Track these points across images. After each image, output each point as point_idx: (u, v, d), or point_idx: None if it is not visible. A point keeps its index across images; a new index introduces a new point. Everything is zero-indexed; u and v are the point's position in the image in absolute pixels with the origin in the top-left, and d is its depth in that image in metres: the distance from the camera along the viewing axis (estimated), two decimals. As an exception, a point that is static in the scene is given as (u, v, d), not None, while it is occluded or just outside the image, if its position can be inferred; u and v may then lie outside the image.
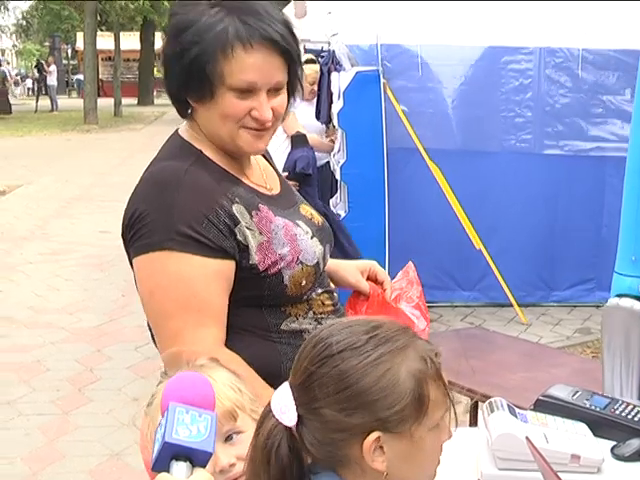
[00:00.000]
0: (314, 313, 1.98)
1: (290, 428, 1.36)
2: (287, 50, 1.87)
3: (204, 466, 1.29)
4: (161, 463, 1.28)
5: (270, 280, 1.89)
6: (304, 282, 1.93)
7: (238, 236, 1.85)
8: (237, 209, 1.87)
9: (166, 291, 1.82)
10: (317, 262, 1.97)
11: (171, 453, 1.27)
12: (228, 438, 1.62)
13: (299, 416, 1.36)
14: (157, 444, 1.28)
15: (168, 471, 1.28)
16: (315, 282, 1.98)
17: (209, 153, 1.94)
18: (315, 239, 2.00)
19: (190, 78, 1.86)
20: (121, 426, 4.81)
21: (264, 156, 2.19)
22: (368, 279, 2.30)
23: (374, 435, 1.33)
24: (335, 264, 2.28)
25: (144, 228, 1.83)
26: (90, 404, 5.24)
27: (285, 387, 1.40)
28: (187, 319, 1.81)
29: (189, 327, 1.81)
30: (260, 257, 1.87)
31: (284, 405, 1.37)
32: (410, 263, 2.38)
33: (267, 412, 1.40)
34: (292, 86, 1.97)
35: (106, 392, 5.40)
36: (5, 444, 4.67)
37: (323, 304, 2.01)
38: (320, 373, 1.35)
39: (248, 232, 1.86)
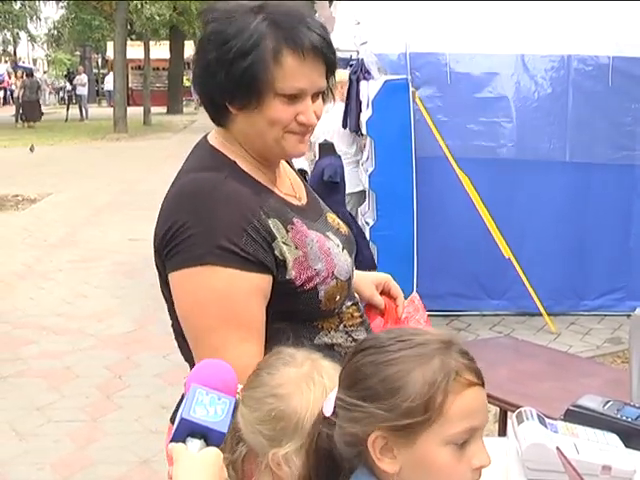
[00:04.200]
0: (344, 326, 1.97)
1: (328, 418, 1.42)
2: (329, 57, 1.88)
3: (218, 446, 1.37)
4: (178, 439, 1.38)
5: (305, 295, 1.87)
6: (338, 297, 1.92)
7: (275, 251, 1.84)
8: (273, 223, 1.85)
9: (208, 306, 1.80)
10: (349, 277, 1.97)
11: (188, 430, 1.37)
12: None
13: (335, 407, 1.41)
14: (176, 421, 1.38)
15: None
16: (347, 296, 1.98)
17: (242, 164, 1.93)
18: (345, 251, 2.00)
19: (239, 86, 1.84)
20: (150, 433, 4.83)
21: (290, 165, 2.19)
22: (382, 293, 2.30)
23: (376, 432, 1.35)
24: None
25: (183, 243, 1.80)
26: (119, 411, 5.27)
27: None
28: (229, 335, 1.79)
29: (231, 343, 1.79)
30: (297, 272, 1.85)
31: (330, 396, 1.44)
32: (415, 293, 2.37)
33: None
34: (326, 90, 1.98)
35: (135, 399, 5.43)
36: (35, 450, 4.70)
37: (352, 316, 2.00)
38: (347, 367, 1.42)
39: (285, 247, 1.85)
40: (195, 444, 1.36)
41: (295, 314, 1.89)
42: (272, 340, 1.84)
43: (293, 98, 1.86)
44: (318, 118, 1.94)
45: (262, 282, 1.82)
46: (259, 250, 1.81)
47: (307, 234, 1.91)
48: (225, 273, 1.78)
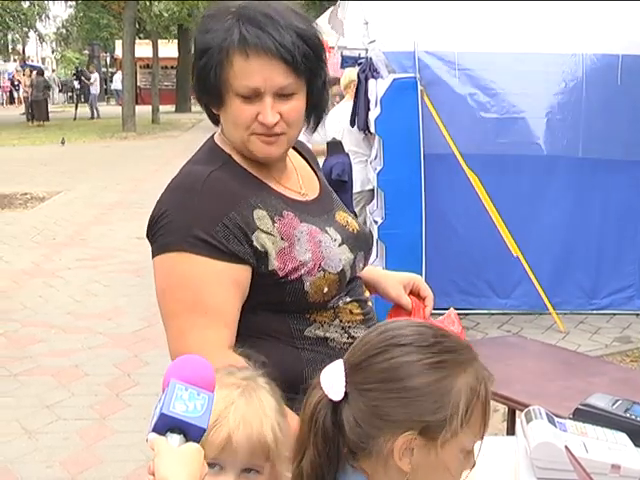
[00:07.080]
0: (341, 321, 1.98)
1: (335, 403, 1.41)
2: (286, 58, 1.85)
3: (197, 441, 1.36)
4: (157, 433, 1.36)
5: (291, 286, 1.89)
6: (326, 289, 1.92)
7: (254, 242, 1.87)
8: (258, 214, 1.89)
9: (175, 291, 1.87)
10: (342, 270, 1.96)
11: (167, 425, 1.36)
12: (246, 471, 1.58)
13: (345, 393, 1.41)
14: (155, 416, 1.36)
15: None
16: (340, 290, 1.97)
17: (238, 158, 1.98)
18: (344, 246, 2.00)
19: (204, 86, 1.92)
20: (158, 431, 4.83)
21: (308, 161, 2.20)
22: (411, 293, 2.29)
23: (410, 434, 1.36)
24: (378, 275, 2.29)
25: (162, 229, 1.89)
26: (128, 409, 5.28)
27: (339, 363, 1.45)
28: (194, 320, 1.85)
29: (195, 328, 1.84)
30: (280, 263, 1.88)
31: (334, 380, 1.42)
32: (452, 308, 2.34)
33: (315, 384, 1.45)
34: (312, 94, 1.95)
35: (144, 397, 5.43)
36: (44, 448, 4.71)
37: (351, 313, 2.00)
38: (380, 359, 1.40)
39: (267, 238, 1.88)
40: (175, 439, 1.35)
41: (283, 305, 1.91)
42: (264, 331, 1.90)
43: (251, 98, 1.88)
44: (292, 120, 1.92)
45: (234, 272, 1.86)
46: (233, 241, 1.85)
47: (296, 226, 1.93)
48: (195, 260, 1.84)
